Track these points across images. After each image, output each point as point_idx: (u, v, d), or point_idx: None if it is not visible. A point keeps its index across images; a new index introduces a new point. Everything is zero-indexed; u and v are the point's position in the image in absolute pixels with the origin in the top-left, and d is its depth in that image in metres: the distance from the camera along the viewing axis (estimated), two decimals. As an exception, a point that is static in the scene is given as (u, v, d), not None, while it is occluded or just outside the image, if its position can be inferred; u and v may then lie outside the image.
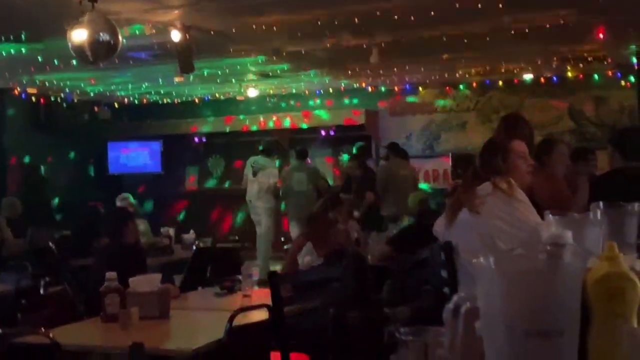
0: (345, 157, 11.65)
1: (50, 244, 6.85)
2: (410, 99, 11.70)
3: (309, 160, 10.56)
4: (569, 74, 10.50)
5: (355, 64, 9.38)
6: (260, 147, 10.28)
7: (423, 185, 10.78)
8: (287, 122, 12.02)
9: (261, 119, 12.20)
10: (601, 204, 2.00)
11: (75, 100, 12.29)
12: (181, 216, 12.49)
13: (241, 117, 12.44)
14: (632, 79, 9.94)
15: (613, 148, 4.10)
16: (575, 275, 1.09)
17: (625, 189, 3.51)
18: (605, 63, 9.64)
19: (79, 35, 5.67)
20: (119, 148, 12.86)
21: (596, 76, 10.48)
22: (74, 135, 12.01)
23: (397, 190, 8.84)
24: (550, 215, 1.91)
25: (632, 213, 2.04)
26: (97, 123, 12.55)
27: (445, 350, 1.16)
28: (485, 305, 1.10)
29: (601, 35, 7.91)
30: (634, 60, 9.22)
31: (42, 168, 11.73)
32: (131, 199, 8.05)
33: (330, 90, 12.04)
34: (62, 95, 11.89)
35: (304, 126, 11.95)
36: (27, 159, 11.45)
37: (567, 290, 1.07)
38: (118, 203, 7.66)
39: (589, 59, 9.20)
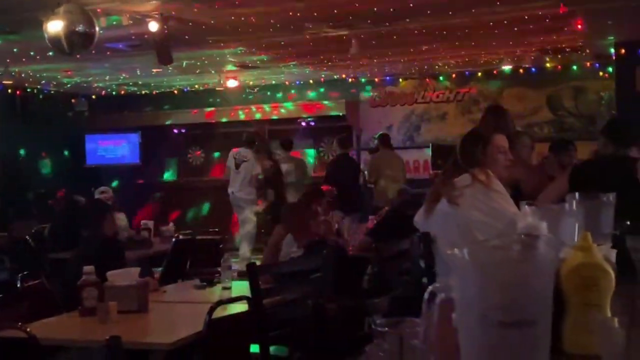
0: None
1: (28, 237, 6.78)
2: (391, 90, 11.72)
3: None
4: (548, 64, 10.58)
5: (335, 55, 9.37)
6: (243, 139, 10.25)
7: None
8: (267, 113, 12.00)
9: (241, 110, 12.16)
10: (577, 194, 2.02)
11: (52, 92, 12.17)
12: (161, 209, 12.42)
13: (220, 108, 12.39)
14: (610, 69, 10.04)
15: (605, 138, 4.10)
16: (549, 266, 1.10)
17: (603, 176, 3.56)
18: (584, 54, 9.73)
19: (55, 26, 5.61)
20: (96, 140, 12.76)
21: (575, 67, 10.57)
22: (51, 127, 11.89)
23: (388, 181, 8.96)
24: (526, 206, 1.93)
25: (607, 204, 2.06)
26: (74, 115, 12.43)
27: (420, 341, 1.16)
28: (460, 295, 1.11)
29: (579, 27, 7.97)
30: (612, 51, 9.31)
31: (19, 160, 11.61)
32: (110, 192, 7.98)
33: (311, 81, 12.02)
34: (38, 86, 11.76)
35: (284, 117, 11.93)
36: (3, 151, 11.32)
37: (541, 281, 1.08)
38: (97, 196, 7.60)
39: (567, 50, 9.27)
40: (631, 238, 2.32)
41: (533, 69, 10.73)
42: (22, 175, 11.51)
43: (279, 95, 12.32)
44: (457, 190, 3.36)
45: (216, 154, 12.96)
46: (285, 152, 10.13)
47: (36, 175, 11.74)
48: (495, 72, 10.96)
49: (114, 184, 12.37)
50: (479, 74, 11.09)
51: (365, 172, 10.01)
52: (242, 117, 12.14)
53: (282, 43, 8.32)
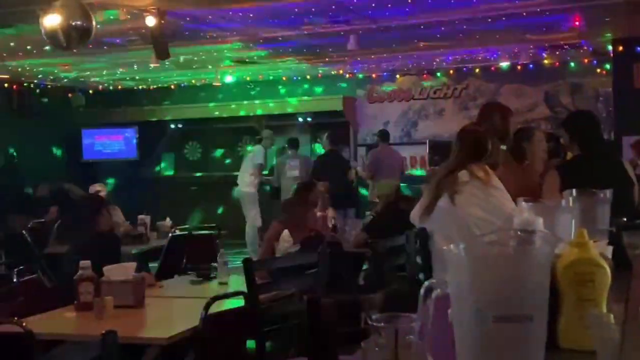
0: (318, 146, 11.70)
1: (24, 232, 6.77)
2: (388, 86, 11.72)
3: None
4: (546, 61, 10.58)
5: (332, 51, 9.36)
6: (287, 144, 10.35)
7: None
8: (264, 109, 11.99)
9: (238, 105, 12.15)
10: (573, 191, 2.02)
11: (49, 87, 12.14)
12: (157, 204, 12.42)
13: (217, 103, 12.37)
14: (607, 66, 10.04)
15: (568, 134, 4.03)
16: (544, 261, 1.10)
17: (590, 175, 3.55)
18: (581, 51, 9.73)
19: (52, 20, 5.60)
20: (93, 135, 12.74)
21: (572, 64, 10.58)
22: (47, 122, 11.87)
23: (385, 177, 9.00)
24: (523, 202, 1.93)
25: (603, 200, 2.07)
26: (71, 109, 12.41)
27: (416, 336, 1.17)
28: (456, 291, 1.11)
29: (577, 24, 7.97)
30: (610, 48, 9.31)
31: (15, 155, 11.58)
32: (106, 187, 7.98)
33: (308, 77, 12.01)
34: (35, 81, 11.73)
35: (282, 113, 11.92)
36: (-1, 146, 11.32)
37: (536, 276, 1.08)
38: (92, 191, 7.58)
39: (565, 46, 9.27)
40: (628, 234, 2.32)
41: (531, 66, 10.73)
42: (18, 170, 11.49)
43: (276, 90, 12.31)
44: (458, 184, 3.37)
45: (214, 150, 12.96)
46: (293, 150, 10.16)
47: (32, 170, 11.71)
48: (492, 68, 10.96)
49: (110, 180, 12.36)
50: (477, 70, 11.09)
51: (358, 168, 10.04)
52: (239, 112, 12.14)
53: (280, 38, 8.31)
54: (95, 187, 7.57)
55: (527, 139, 4.27)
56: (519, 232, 1.20)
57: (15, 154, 11.59)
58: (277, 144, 11.12)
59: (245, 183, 10.19)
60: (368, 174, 9.51)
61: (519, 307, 1.05)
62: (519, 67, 10.81)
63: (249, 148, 10.29)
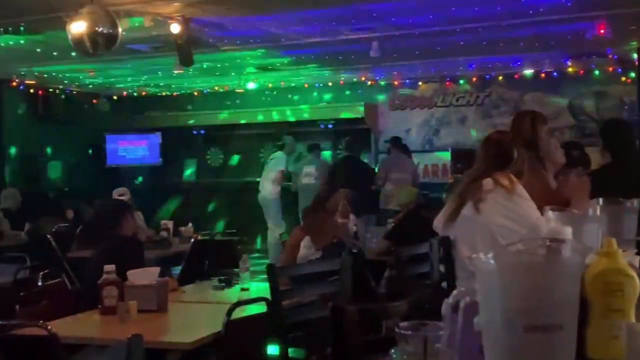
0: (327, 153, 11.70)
1: (49, 236, 6.85)
2: (410, 94, 11.69)
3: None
4: (570, 69, 10.50)
5: (355, 58, 9.37)
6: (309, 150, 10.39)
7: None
8: (285, 115, 12.02)
9: (260, 112, 12.19)
10: (600, 200, 2.00)
11: (74, 92, 12.27)
12: (180, 209, 12.50)
13: (240, 110, 12.43)
14: (632, 74, 9.94)
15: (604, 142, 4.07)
16: (574, 271, 1.10)
17: (620, 182, 3.53)
18: (606, 59, 9.64)
19: (79, 27, 5.67)
20: (117, 140, 12.85)
21: (597, 72, 10.48)
22: (72, 127, 12.00)
23: (395, 184, 8.94)
24: (550, 211, 1.92)
25: (631, 210, 2.04)
26: (96, 115, 12.54)
27: (444, 345, 1.16)
28: (485, 299, 1.11)
29: (602, 32, 7.90)
30: (635, 56, 9.22)
31: (40, 160, 11.72)
32: (129, 192, 8.03)
33: (330, 84, 12.03)
34: (60, 87, 11.87)
35: (303, 120, 11.94)
36: (24, 151, 11.44)
37: (566, 285, 1.07)
38: (115, 196, 7.65)
39: (590, 54, 9.19)
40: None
41: (555, 74, 10.65)
42: (43, 175, 11.62)
43: (298, 97, 12.34)
44: (482, 192, 3.36)
45: (236, 157, 13.02)
46: (312, 155, 10.16)
47: (57, 174, 11.85)
48: (516, 76, 10.89)
49: (139, 179, 12.45)
50: (500, 77, 11.03)
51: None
52: (261, 119, 12.18)
53: (303, 45, 8.33)
54: (119, 191, 7.63)
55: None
56: (547, 241, 1.19)
57: (40, 158, 11.72)
58: (299, 150, 11.15)
59: (267, 190, 10.22)
60: (378, 181, 9.44)
61: (550, 317, 1.04)
62: (542, 75, 10.73)
63: (274, 154, 10.32)
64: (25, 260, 6.24)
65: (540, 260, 1.11)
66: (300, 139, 11.27)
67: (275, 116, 12.11)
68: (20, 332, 3.38)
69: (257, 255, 10.12)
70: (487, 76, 11.07)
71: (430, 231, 3.69)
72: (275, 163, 10.20)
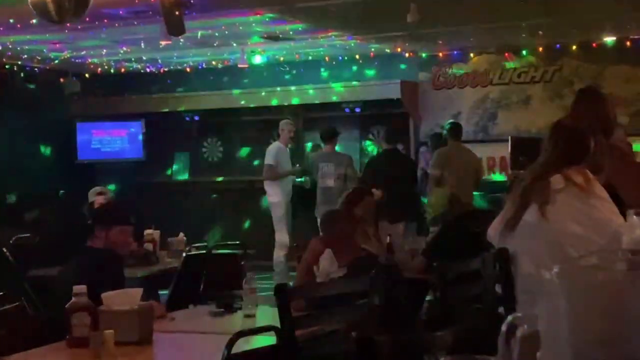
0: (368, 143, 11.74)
1: (4, 250, 6.91)
2: (459, 68, 11.67)
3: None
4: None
5: (388, 23, 9.36)
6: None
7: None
8: (301, 97, 12.05)
9: (269, 93, 12.23)
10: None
11: (36, 69, 12.38)
12: (168, 216, 12.58)
13: (243, 90, 12.48)
14: None
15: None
16: (663, 291, 1.09)
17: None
18: None
19: (40, -13, 5.71)
20: (90, 129, 12.96)
21: (698, 39, 10.41)
22: (35, 114, 12.11)
23: (455, 183, 8.91)
24: (634, 216, 1.91)
25: None
26: (63, 98, 12.64)
27: (497, 384, 1.16)
28: (548, 328, 1.10)
29: None
30: None
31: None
32: (110, 192, 8.08)
33: (357, 57, 12.04)
34: (19, 63, 11.98)
35: (324, 102, 11.96)
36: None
37: (652, 310, 1.07)
38: (92, 198, 7.72)
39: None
40: None
41: (644, 41, 10.59)
42: (-1, 173, 11.74)
43: (317, 74, 12.35)
44: (549, 194, 3.35)
45: (239, 149, 13.06)
46: (328, 146, 10.12)
47: (16, 173, 11.96)
48: (594, 45, 10.83)
49: (110, 186, 12.55)
50: (574, 47, 10.97)
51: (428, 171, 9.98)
52: (270, 101, 12.22)
53: (322, 7, 8.34)
54: (97, 191, 7.69)
55: None
56: (629, 254, 1.18)
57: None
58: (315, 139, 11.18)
59: (268, 191, 10.34)
60: (432, 179, 9.38)
61: (629, 349, 1.04)
62: (628, 43, 10.66)
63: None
64: (-24, 281, 6.30)
65: (618, 277, 1.11)
66: (320, 126, 11.26)
67: (288, 98, 12.13)
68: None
69: (265, 274, 10.16)
70: (557, 45, 11.01)
71: (481, 243, 3.69)
72: (265, 157, 10.29)
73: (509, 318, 1.23)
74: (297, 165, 11.00)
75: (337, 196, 9.26)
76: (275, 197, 10.29)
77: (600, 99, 4.56)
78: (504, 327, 1.22)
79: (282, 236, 10.25)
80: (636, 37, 10.56)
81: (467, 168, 9.40)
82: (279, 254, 10.18)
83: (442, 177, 9.23)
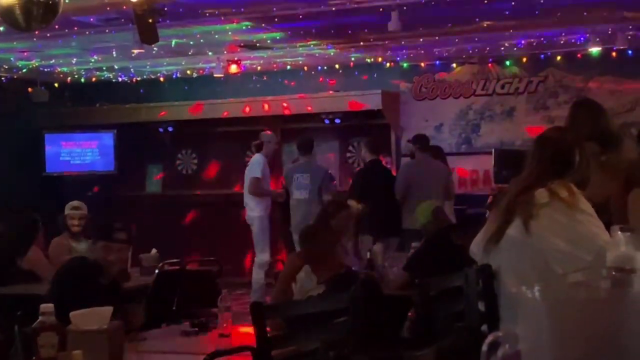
0: None
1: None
2: (441, 78, 11.71)
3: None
4: (649, 45, 10.53)
5: (368, 33, 9.39)
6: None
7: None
8: (279, 108, 12.04)
9: (246, 103, 12.22)
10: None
11: (2, 79, 12.31)
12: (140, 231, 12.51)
13: (219, 100, 12.46)
14: None
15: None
16: (647, 309, 1.10)
17: None
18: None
19: (7, -8, 5.68)
20: (59, 141, 12.89)
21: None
22: (1, 124, 12.03)
23: (422, 198, 8.87)
24: (620, 232, 1.92)
25: None
26: (31, 108, 12.57)
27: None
28: (530, 347, 1.11)
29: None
30: None
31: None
32: (85, 209, 7.98)
33: (337, 67, 12.06)
34: (-16, 71, 11.93)
35: (302, 113, 11.97)
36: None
37: (636, 326, 1.07)
38: (67, 211, 7.66)
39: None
40: None
41: (629, 52, 10.67)
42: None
43: (296, 84, 12.36)
44: (534, 208, 3.37)
45: (215, 161, 13.03)
46: (304, 157, 10.10)
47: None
48: (579, 55, 10.91)
49: (87, 192, 12.46)
50: (558, 57, 11.05)
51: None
52: (246, 112, 12.20)
53: (300, 16, 8.36)
54: (74, 205, 7.63)
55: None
56: (613, 271, 1.19)
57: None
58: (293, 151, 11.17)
59: (248, 205, 10.24)
60: (396, 194, 9.33)
61: (614, 369, 1.04)
62: (613, 54, 10.74)
63: (253, 158, 10.37)
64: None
65: (603, 296, 1.11)
66: (297, 137, 11.24)
67: (266, 109, 12.11)
68: None
69: (241, 291, 10.13)
70: (542, 55, 11.09)
71: (464, 259, 3.70)
72: (250, 169, 10.21)
73: (490, 337, 1.23)
74: (282, 189, 10.81)
75: (313, 209, 9.28)
76: (256, 211, 10.20)
77: (599, 110, 4.59)
78: (484, 347, 1.22)
79: (262, 255, 10.16)
80: (622, 47, 10.65)
81: (435, 181, 9.30)
82: (258, 273, 10.07)
83: (408, 194, 9.17)
